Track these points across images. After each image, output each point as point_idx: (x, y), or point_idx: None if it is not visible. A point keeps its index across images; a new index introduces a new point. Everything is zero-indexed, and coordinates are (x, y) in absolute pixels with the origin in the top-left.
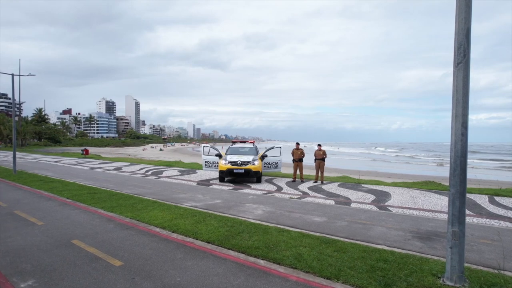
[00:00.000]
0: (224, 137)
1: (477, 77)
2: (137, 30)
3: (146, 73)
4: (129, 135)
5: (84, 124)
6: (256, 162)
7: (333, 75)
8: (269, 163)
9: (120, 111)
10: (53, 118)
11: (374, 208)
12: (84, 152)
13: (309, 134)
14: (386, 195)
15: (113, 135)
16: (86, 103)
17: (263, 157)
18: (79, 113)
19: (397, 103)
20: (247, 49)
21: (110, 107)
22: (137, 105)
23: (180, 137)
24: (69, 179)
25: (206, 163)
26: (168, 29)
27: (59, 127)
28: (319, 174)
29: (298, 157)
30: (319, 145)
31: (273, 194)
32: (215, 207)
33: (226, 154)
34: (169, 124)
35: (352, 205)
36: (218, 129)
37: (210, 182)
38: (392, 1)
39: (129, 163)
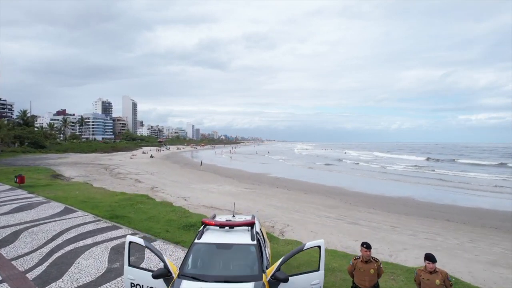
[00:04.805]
0: (223, 137)
1: (477, 77)
2: (136, 30)
3: (145, 73)
4: (125, 136)
5: (80, 125)
6: None
7: (333, 75)
8: None
9: (117, 112)
10: (46, 119)
11: None
12: (17, 181)
13: (309, 134)
14: None
15: (109, 136)
16: (85, 103)
17: (277, 279)
18: (73, 114)
19: (397, 103)
20: (247, 49)
21: (107, 107)
22: (134, 105)
23: (178, 138)
24: None
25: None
26: (168, 29)
27: (46, 129)
28: None
29: (370, 283)
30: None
31: None
32: None
33: (183, 265)
34: (168, 125)
35: None
36: (218, 129)
37: None
38: (392, 1)
39: (58, 211)
